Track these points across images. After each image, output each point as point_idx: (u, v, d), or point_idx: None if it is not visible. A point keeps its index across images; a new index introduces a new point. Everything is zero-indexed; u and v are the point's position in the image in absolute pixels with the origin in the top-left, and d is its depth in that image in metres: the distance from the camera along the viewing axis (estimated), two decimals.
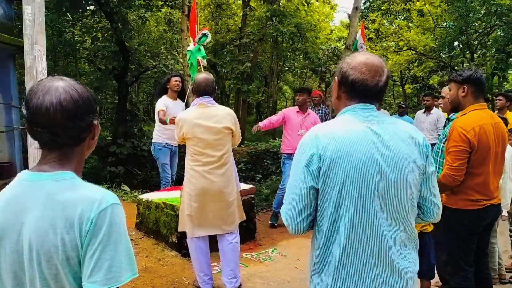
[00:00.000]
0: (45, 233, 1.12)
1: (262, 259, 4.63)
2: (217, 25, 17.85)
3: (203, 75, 3.46)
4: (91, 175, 10.04)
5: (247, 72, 15.75)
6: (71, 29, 12.06)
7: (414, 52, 17.38)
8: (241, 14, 18.61)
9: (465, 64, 17.14)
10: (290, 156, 5.42)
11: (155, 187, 10.87)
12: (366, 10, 13.21)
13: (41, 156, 1.22)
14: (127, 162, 11.46)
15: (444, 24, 17.35)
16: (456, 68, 16.67)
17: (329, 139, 1.48)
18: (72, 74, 11.47)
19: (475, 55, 16.33)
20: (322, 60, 19.98)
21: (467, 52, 16.61)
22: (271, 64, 19.16)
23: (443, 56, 17.78)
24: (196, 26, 5.33)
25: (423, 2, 15.50)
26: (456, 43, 17.02)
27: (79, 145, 1.24)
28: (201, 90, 3.40)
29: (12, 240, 1.15)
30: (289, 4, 17.22)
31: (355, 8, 8.82)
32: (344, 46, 9.88)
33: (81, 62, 12.50)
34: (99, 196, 1.16)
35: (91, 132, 1.26)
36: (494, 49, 14.94)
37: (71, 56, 12.78)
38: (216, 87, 3.51)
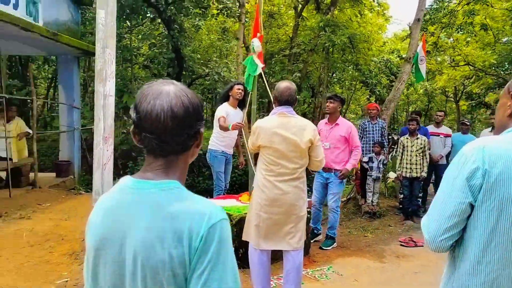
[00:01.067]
0: (152, 246, 1.04)
1: (318, 276, 4.45)
2: (268, 35, 17.88)
3: (286, 84, 3.35)
4: None
5: (296, 82, 15.65)
6: (129, 35, 12.45)
7: (472, 67, 16.65)
8: (292, 24, 18.61)
9: None
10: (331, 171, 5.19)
11: (203, 193, 10.94)
12: (426, 23, 12.77)
13: (146, 163, 1.15)
14: None
15: (505, 40, 16.56)
16: None
17: (498, 155, 1.32)
18: (128, 79, 11.79)
19: None
20: (373, 73, 19.62)
21: None
22: (320, 75, 18.97)
23: (503, 73, 16.94)
24: (258, 33, 5.28)
25: (484, 16, 14.86)
26: None
27: (185, 153, 1.17)
28: (283, 99, 3.29)
29: (114, 251, 1.09)
30: (341, 15, 17.04)
31: (417, 19, 8.51)
32: (404, 59, 9.56)
33: (135, 67, 12.85)
34: (208, 210, 1.08)
35: (197, 140, 1.18)
36: None
37: (127, 62, 13.17)
38: (297, 97, 3.39)
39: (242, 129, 5.37)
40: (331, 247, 5.37)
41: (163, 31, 11.39)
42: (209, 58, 12.84)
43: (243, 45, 8.90)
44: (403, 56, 20.95)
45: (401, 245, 5.66)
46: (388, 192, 9.02)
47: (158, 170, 1.12)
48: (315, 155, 3.39)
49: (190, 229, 1.04)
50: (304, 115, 23.48)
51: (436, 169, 7.35)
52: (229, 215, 4.24)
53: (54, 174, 7.47)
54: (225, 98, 5.47)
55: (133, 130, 1.14)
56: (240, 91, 5.38)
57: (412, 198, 7.00)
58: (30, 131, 6.54)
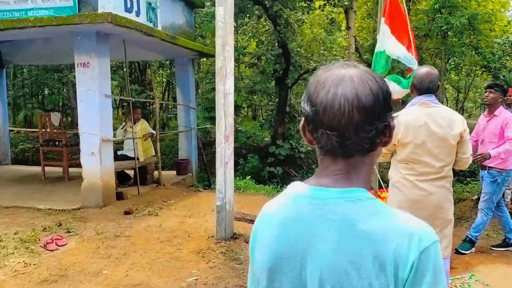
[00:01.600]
0: (345, 273, 0.82)
1: (460, 286, 3.94)
2: (375, 22, 17.00)
3: (426, 69, 2.94)
4: (252, 174, 10.35)
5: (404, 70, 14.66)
6: (235, 35, 12.71)
7: None
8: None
9: None
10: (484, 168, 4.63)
11: None
12: None
13: (321, 167, 0.93)
14: (285, 163, 11.56)
15: None
16: None
17: None
18: (234, 78, 12.04)
19: None
20: (496, 56, 17.60)
21: None
22: (434, 61, 17.53)
23: None
24: (408, 24, 4.52)
25: None
26: None
27: (371, 153, 0.92)
28: (424, 87, 2.89)
29: (293, 274, 0.89)
30: None
31: None
32: None
33: (241, 66, 13.08)
34: (417, 228, 0.82)
35: (386, 137, 0.92)
36: None
37: (235, 61, 13.48)
38: (439, 84, 2.98)
39: None
40: (469, 251, 4.79)
41: (268, 27, 11.39)
42: (312, 52, 12.54)
43: (354, 34, 8.44)
44: None
45: None
46: None
47: (338, 175, 0.89)
48: (463, 151, 2.92)
49: (396, 254, 0.79)
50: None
51: None
52: None
53: (174, 172, 7.84)
54: None
55: (305, 127, 0.92)
56: None
57: None
58: (154, 132, 6.91)
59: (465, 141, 2.90)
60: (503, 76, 18.40)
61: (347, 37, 18.89)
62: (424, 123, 2.84)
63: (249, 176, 8.85)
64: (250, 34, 11.03)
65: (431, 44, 15.66)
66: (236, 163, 11.78)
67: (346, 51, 18.91)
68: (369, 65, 4.54)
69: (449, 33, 14.43)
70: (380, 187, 4.71)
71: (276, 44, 10.88)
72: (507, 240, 4.93)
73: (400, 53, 4.24)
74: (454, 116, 2.90)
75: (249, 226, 4.67)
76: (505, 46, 17.54)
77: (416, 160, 2.89)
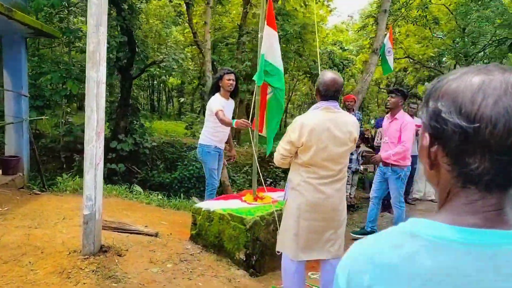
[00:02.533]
0: None
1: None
2: (217, 22, 17.29)
3: (331, 75, 2.96)
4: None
5: (246, 72, 15.29)
6: (66, 14, 11.26)
7: (412, 60, 17.40)
8: (236, 11, 18.16)
9: None
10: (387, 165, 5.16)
11: (158, 187, 10.27)
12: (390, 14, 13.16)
13: (462, 200, 0.73)
14: (127, 159, 10.81)
15: (440, 34, 17.47)
16: None
17: None
18: (64, 63, 10.66)
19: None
20: (316, 64, 19.82)
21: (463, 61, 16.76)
22: None
23: (439, 66, 17.91)
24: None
25: (424, 14, 15.49)
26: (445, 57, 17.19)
27: None
28: (329, 94, 2.92)
29: None
30: (286, 5, 16.90)
31: (384, 11, 8.53)
32: (371, 50, 9.57)
33: (73, 51, 11.66)
34: None
35: None
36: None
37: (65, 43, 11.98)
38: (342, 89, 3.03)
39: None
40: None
41: (112, 11, 10.44)
42: (165, 43, 12.05)
43: (210, 30, 8.27)
44: (346, 48, 21.47)
45: None
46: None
47: (491, 211, 0.71)
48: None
49: None
50: (247, 105, 23.25)
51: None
52: (242, 219, 3.83)
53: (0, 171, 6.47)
54: (216, 88, 5.00)
55: (438, 148, 0.73)
56: (232, 81, 4.93)
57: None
58: None
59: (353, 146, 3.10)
60: None
61: (186, 31, 18.75)
62: (327, 128, 2.89)
63: None
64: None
65: None
66: (71, 159, 10.50)
67: (190, 46, 18.72)
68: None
69: (283, 39, 15.60)
70: (260, 185, 4.71)
71: (120, 30, 10.04)
72: (366, 228, 5.52)
73: (277, 60, 4.26)
74: (353, 121, 3.04)
75: (116, 236, 4.11)
76: (324, 56, 19.87)
77: (318, 164, 2.93)
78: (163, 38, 12.60)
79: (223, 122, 4.50)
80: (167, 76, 12.95)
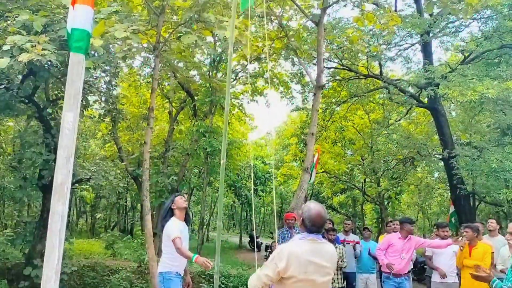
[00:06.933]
0: None
1: None
2: (142, 137, 17.41)
3: (318, 208, 3.00)
4: None
5: (173, 186, 15.23)
6: None
7: (328, 174, 18.71)
8: (161, 125, 18.66)
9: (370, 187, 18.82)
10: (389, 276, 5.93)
11: None
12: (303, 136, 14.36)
13: None
14: None
15: (349, 151, 19.29)
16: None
17: None
18: None
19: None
20: (240, 177, 20.44)
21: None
22: (202, 177, 18.94)
23: (353, 180, 19.47)
24: None
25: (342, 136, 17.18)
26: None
27: None
28: (315, 227, 2.94)
29: None
30: (213, 123, 17.77)
31: (312, 133, 9.32)
32: (302, 168, 10.16)
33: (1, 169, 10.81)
34: None
35: None
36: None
37: None
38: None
39: None
40: None
41: (38, 128, 10.14)
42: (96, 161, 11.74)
43: (149, 150, 8.26)
44: (267, 162, 22.57)
45: None
46: None
47: None
48: None
49: None
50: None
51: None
52: None
53: None
54: (169, 212, 4.91)
55: None
56: (184, 200, 4.96)
57: None
58: None
59: None
60: (245, 195, 21.37)
61: (108, 146, 18.47)
62: (314, 259, 2.93)
63: None
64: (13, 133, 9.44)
65: (195, 163, 16.93)
66: None
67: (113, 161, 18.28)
68: None
69: (211, 154, 16.10)
70: None
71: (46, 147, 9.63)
72: None
73: None
74: (334, 251, 3.13)
75: None
76: (247, 170, 20.58)
77: None
78: (89, 154, 12.25)
79: (180, 252, 4.34)
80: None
